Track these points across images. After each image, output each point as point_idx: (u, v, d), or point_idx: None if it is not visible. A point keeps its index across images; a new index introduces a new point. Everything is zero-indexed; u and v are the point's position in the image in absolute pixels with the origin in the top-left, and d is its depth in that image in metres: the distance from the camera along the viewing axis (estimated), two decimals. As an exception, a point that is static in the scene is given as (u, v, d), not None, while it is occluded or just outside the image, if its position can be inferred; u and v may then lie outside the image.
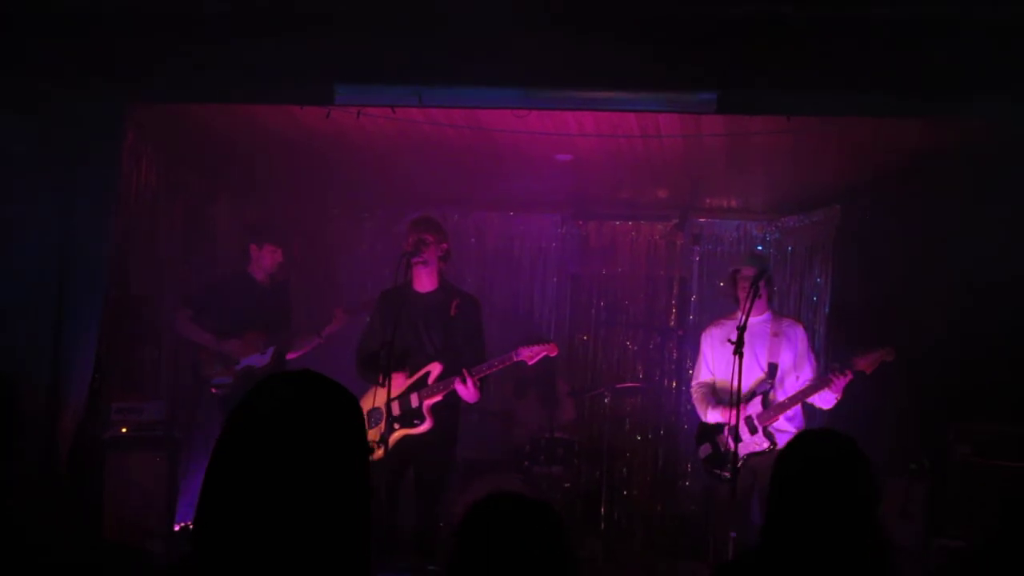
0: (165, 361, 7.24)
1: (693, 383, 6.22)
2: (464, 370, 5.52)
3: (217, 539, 1.69)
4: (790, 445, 2.73)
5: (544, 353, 5.63)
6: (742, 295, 5.77)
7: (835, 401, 5.56)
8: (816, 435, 2.79)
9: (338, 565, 1.72)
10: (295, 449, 1.72)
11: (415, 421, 5.62)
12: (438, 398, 5.62)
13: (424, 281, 5.81)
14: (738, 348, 5.09)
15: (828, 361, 6.08)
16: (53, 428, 5.48)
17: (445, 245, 5.84)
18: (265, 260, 6.86)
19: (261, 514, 1.67)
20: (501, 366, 5.65)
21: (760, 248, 5.43)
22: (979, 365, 5.96)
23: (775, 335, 5.84)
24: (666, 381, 9.02)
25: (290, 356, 6.89)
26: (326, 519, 1.71)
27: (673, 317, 9.16)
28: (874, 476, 2.60)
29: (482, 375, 5.57)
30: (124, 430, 6.09)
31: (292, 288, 7.16)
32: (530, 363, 5.68)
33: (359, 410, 1.87)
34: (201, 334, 6.69)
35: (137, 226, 6.74)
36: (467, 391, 5.55)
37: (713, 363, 6.06)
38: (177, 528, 6.39)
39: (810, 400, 5.66)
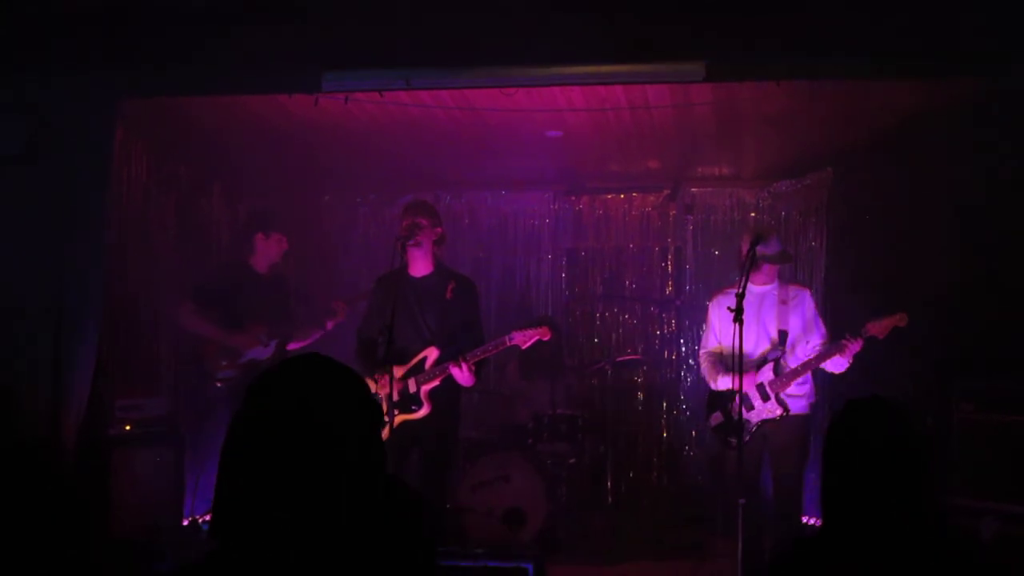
0: (165, 356, 7.21)
1: (701, 351, 6.25)
2: (459, 356, 5.54)
3: (239, 526, 1.72)
4: (846, 416, 2.57)
5: (537, 337, 5.66)
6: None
7: (847, 366, 5.58)
8: (876, 406, 2.57)
9: (354, 539, 1.77)
10: (310, 432, 1.75)
11: (413, 407, 5.62)
12: (435, 383, 5.62)
13: (419, 265, 5.81)
14: (737, 316, 5.12)
15: (827, 325, 6.09)
16: (58, 428, 5.47)
17: (439, 229, 5.85)
18: (272, 249, 6.80)
19: (280, 497, 1.71)
20: (495, 351, 5.69)
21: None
22: (980, 322, 5.97)
23: (783, 302, 5.87)
24: (666, 352, 9.03)
25: (291, 347, 6.86)
26: (343, 498, 1.76)
27: (670, 287, 9.16)
28: (931, 446, 2.53)
29: (476, 360, 5.59)
30: (128, 427, 6.09)
31: (289, 277, 7.13)
32: (523, 347, 5.71)
33: (368, 390, 1.90)
34: (208, 328, 6.56)
35: (131, 221, 6.71)
36: (462, 375, 5.56)
37: (720, 331, 6.03)
38: (185, 523, 6.41)
39: (822, 365, 5.68)
